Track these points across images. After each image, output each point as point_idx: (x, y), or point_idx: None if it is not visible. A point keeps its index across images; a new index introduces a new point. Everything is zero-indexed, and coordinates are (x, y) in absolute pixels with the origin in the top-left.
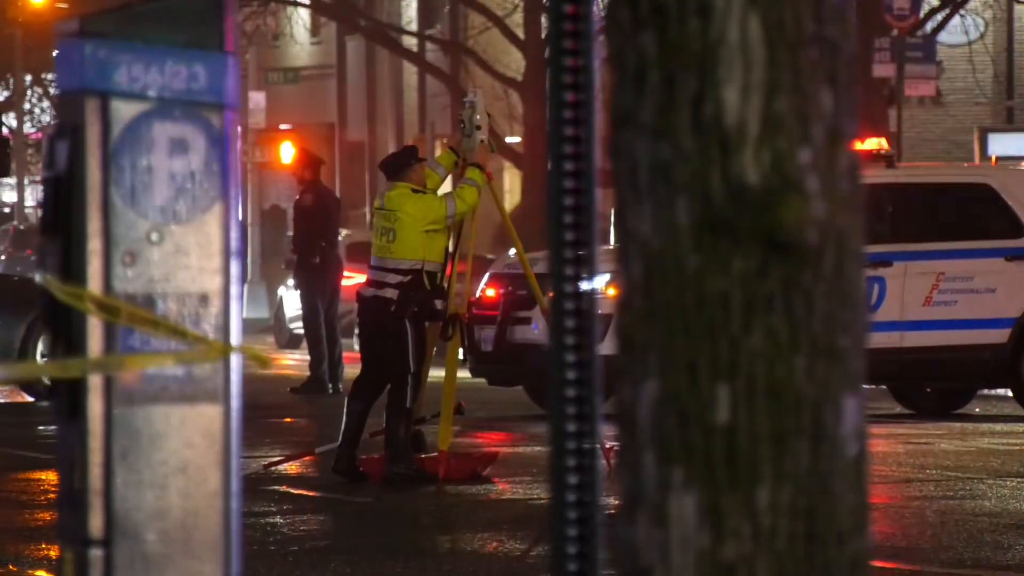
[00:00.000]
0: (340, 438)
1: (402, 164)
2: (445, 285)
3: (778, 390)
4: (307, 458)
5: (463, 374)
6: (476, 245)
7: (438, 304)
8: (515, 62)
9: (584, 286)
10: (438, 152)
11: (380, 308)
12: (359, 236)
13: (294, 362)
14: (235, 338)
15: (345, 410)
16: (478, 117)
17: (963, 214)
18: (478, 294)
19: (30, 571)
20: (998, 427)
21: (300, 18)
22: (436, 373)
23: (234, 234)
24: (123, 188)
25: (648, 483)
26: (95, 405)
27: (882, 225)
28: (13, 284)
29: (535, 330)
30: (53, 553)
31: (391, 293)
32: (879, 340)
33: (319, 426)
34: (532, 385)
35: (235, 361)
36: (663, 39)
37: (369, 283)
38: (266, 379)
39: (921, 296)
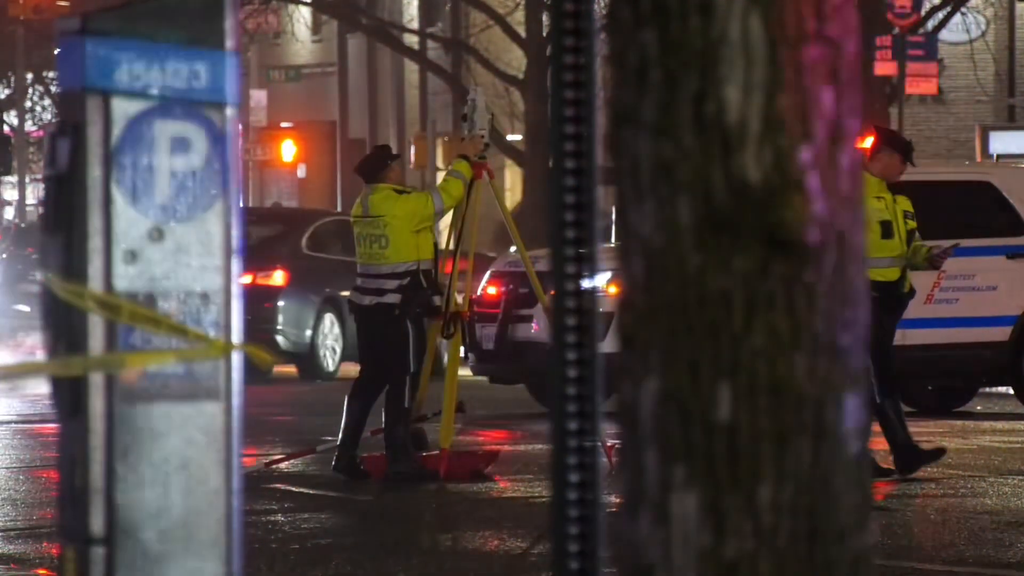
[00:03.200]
0: (340, 438)
1: (379, 166)
2: (444, 280)
3: (780, 388)
4: (308, 456)
5: (464, 372)
6: (477, 243)
7: (436, 300)
8: (516, 60)
9: (585, 284)
10: (439, 150)
11: (384, 314)
12: None
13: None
14: (236, 336)
15: (345, 410)
16: (478, 116)
17: (964, 212)
18: (479, 292)
19: (32, 570)
20: (999, 425)
21: (301, 16)
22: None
23: (235, 232)
24: (124, 186)
25: (650, 481)
26: (96, 403)
27: None
28: (310, 263)
29: (536, 328)
30: (55, 552)
31: (393, 298)
32: None
33: (320, 424)
34: (533, 383)
35: (236, 359)
36: (664, 37)
37: (363, 291)
38: (267, 377)
39: (922, 294)
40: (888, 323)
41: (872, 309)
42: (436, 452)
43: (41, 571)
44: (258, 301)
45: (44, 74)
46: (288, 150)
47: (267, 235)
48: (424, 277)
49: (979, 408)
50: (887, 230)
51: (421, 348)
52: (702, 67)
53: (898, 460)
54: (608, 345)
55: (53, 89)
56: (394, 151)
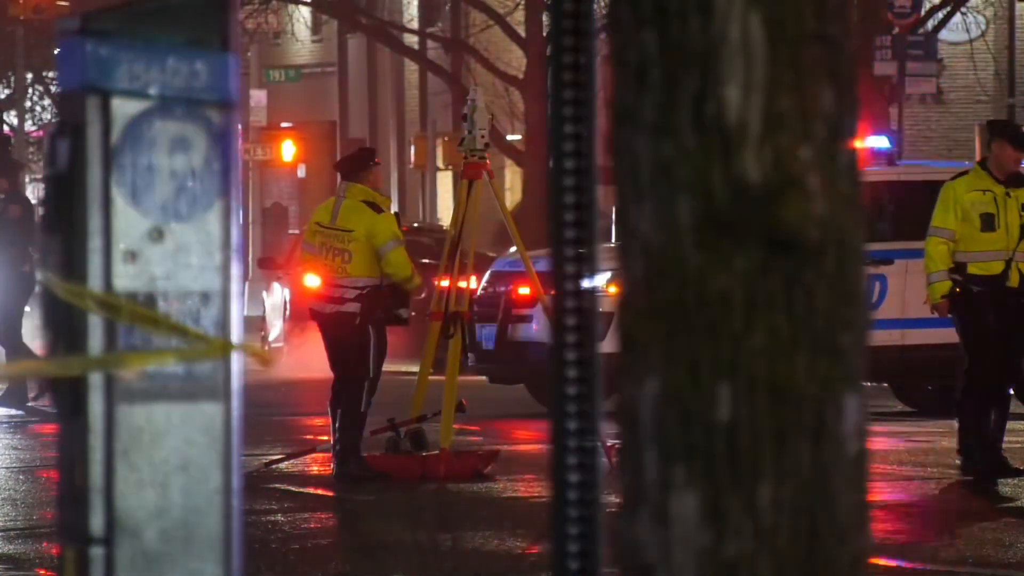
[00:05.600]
0: (334, 445)
1: (360, 166)
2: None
3: (779, 388)
4: (308, 456)
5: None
6: (477, 243)
7: (403, 313)
8: (516, 60)
9: (585, 284)
10: (439, 150)
11: (343, 322)
12: None
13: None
14: (236, 336)
15: (332, 419)
16: (478, 116)
17: None
18: (479, 292)
19: (32, 570)
20: None
21: (301, 16)
22: (437, 371)
23: (235, 232)
24: (124, 186)
25: (649, 481)
26: (96, 403)
27: (884, 223)
28: None
29: (536, 328)
30: (55, 552)
31: (353, 307)
32: (880, 338)
33: (320, 424)
34: (533, 383)
35: (236, 359)
36: (664, 37)
37: (326, 299)
38: (267, 377)
39: (922, 294)
40: (993, 319)
41: (975, 305)
42: (436, 452)
43: (41, 571)
44: None
45: (44, 74)
46: (288, 150)
47: None
48: (393, 290)
49: None
50: (988, 223)
51: (382, 354)
52: (702, 67)
53: (968, 461)
54: (608, 345)
55: (53, 89)
56: (393, 153)
